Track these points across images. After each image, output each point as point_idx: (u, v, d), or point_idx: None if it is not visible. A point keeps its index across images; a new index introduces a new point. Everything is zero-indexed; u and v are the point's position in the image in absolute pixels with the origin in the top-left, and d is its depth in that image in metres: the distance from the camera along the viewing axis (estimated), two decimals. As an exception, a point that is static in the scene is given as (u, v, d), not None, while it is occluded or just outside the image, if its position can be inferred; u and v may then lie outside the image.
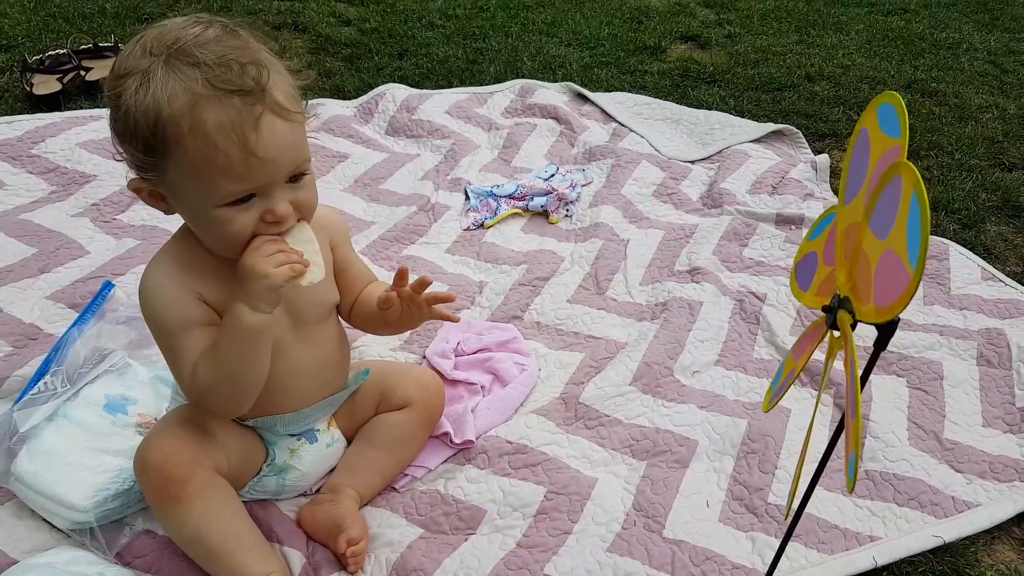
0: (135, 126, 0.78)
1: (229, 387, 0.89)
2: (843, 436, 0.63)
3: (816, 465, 0.77)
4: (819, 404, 0.83)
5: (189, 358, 0.89)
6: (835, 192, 1.98)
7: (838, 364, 1.38)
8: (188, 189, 0.82)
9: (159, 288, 0.89)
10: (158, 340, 0.92)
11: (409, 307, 1.01)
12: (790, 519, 0.83)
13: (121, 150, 0.84)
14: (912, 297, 0.53)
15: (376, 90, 2.21)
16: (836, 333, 0.67)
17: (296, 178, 0.87)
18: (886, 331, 0.60)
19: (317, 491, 1.12)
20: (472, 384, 1.30)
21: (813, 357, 1.40)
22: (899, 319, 0.58)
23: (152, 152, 0.80)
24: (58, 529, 1.00)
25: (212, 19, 0.83)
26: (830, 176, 2.01)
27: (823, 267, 0.72)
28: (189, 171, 0.80)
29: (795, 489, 0.81)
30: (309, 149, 0.88)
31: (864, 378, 0.63)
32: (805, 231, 1.76)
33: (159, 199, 0.87)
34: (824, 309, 0.67)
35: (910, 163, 0.54)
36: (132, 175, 0.86)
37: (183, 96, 0.77)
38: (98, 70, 2.15)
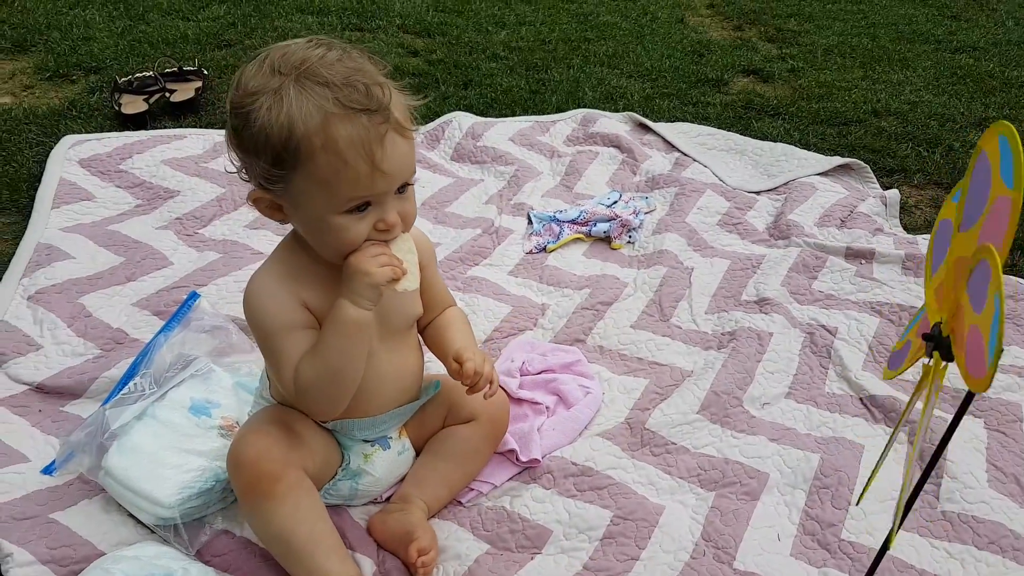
0: (267, 140, 0.84)
1: (329, 383, 0.93)
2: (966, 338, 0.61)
3: (899, 504, 0.76)
4: (916, 446, 0.82)
5: (291, 358, 0.93)
6: (905, 228, 1.94)
7: (919, 405, 1.35)
8: (311, 199, 0.87)
9: (264, 292, 0.94)
10: (261, 341, 0.96)
11: None
12: (874, 554, 0.81)
13: (243, 163, 0.90)
14: (1017, 219, 0.54)
15: (443, 118, 2.27)
16: (941, 364, 0.66)
17: (402, 189, 0.91)
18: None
19: (387, 500, 1.13)
20: (537, 404, 1.31)
21: (888, 395, 1.37)
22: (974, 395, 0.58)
23: (281, 165, 0.85)
24: (143, 525, 1.04)
25: (331, 42, 0.89)
26: (900, 212, 1.97)
27: (915, 343, 0.73)
28: (316, 183, 0.85)
29: (894, 532, 0.79)
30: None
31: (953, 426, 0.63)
32: (875, 267, 1.73)
33: (276, 210, 0.92)
34: (924, 337, 0.66)
35: (993, 249, 0.54)
36: (250, 187, 0.92)
37: (316, 114, 0.83)
38: (182, 92, 2.26)
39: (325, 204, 0.87)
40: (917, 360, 0.70)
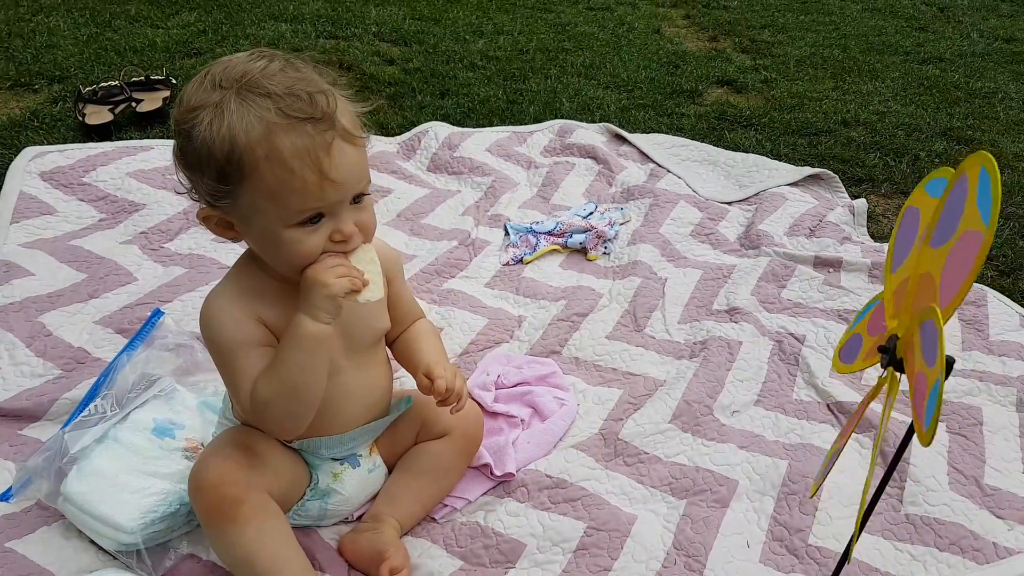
0: (209, 156, 0.82)
1: (287, 401, 0.90)
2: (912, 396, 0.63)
3: (860, 509, 0.76)
4: (875, 453, 0.83)
5: (248, 376, 0.91)
6: (872, 237, 1.97)
7: (876, 407, 1.37)
8: (260, 213, 0.85)
9: (220, 310, 0.92)
10: (217, 359, 0.94)
11: None
12: (838, 560, 0.81)
13: (190, 181, 0.88)
14: (986, 254, 0.55)
15: (419, 128, 2.26)
16: (897, 375, 0.67)
17: (358, 199, 0.90)
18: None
19: (358, 519, 1.12)
20: (512, 417, 1.30)
21: (855, 401, 1.38)
22: (954, 361, 0.58)
23: (226, 180, 0.83)
24: (104, 551, 1.01)
25: (273, 53, 0.87)
26: (867, 221, 2.00)
27: (868, 339, 0.74)
28: (263, 196, 0.83)
29: (855, 540, 0.80)
30: (369, 171, 0.91)
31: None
32: (843, 275, 1.76)
33: (227, 227, 0.90)
34: (880, 349, 0.67)
35: (986, 153, 0.56)
36: (200, 206, 0.89)
37: (258, 125, 0.81)
38: (149, 102, 2.23)
39: (275, 218, 0.85)
40: (870, 365, 0.71)
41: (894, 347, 0.64)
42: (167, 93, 2.29)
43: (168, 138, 2.12)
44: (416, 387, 1.07)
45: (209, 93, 0.83)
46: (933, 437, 0.56)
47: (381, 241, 1.02)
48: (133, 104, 2.20)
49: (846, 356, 0.78)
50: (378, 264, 0.92)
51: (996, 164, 0.57)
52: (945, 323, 0.57)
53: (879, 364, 0.67)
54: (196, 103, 0.83)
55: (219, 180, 0.83)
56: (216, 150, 0.81)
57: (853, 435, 1.34)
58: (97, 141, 2.04)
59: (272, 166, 0.81)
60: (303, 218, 0.86)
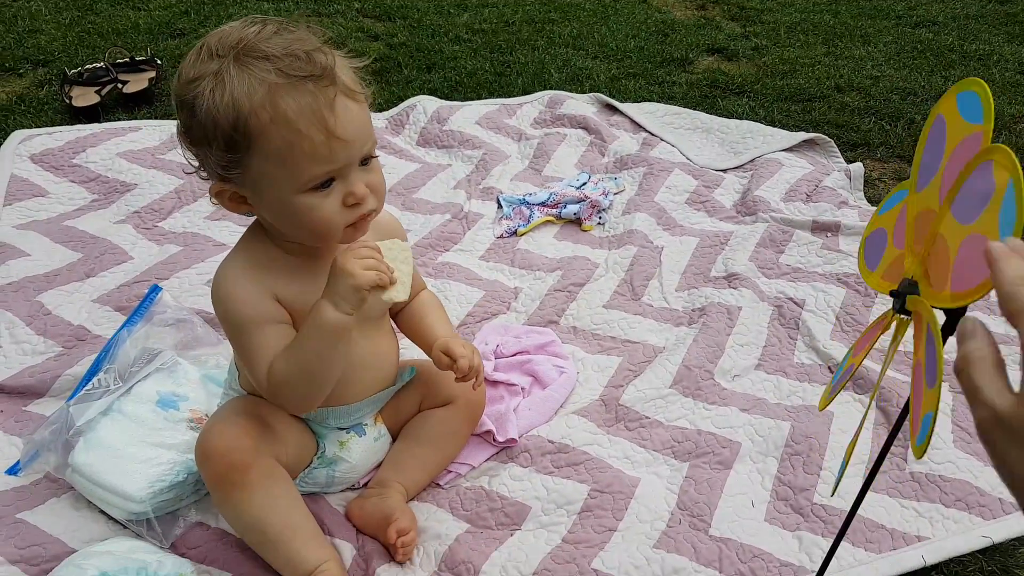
0: (215, 125, 0.81)
1: (303, 384, 0.90)
2: (911, 402, 0.62)
3: (868, 466, 0.77)
4: (870, 406, 0.83)
5: (264, 354, 0.90)
6: (869, 201, 1.97)
7: (876, 366, 1.37)
8: (272, 180, 0.84)
9: (235, 286, 0.91)
10: (231, 336, 0.93)
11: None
12: (844, 516, 0.82)
13: (197, 158, 0.87)
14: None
15: (407, 102, 2.25)
16: (904, 317, 0.67)
17: (366, 161, 0.89)
18: (954, 317, 0.60)
19: (364, 486, 1.13)
20: (512, 385, 1.31)
21: (863, 364, 1.39)
22: (965, 310, 0.58)
23: (235, 148, 0.82)
24: (115, 520, 1.02)
25: (265, 19, 0.86)
26: (864, 185, 2.00)
27: (891, 248, 0.71)
28: (273, 161, 0.83)
29: (841, 477, 0.80)
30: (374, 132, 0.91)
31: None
32: (841, 239, 1.76)
33: (240, 201, 0.89)
34: (892, 294, 0.66)
35: (1005, 146, 0.54)
36: (211, 181, 0.89)
37: (260, 88, 0.80)
38: (135, 83, 2.20)
39: (287, 184, 0.84)
40: (886, 288, 0.69)
41: (906, 293, 0.63)
42: (153, 74, 2.26)
43: (156, 118, 2.11)
44: (427, 358, 1.07)
45: (207, 63, 0.82)
46: (924, 453, 0.57)
47: (387, 212, 1.01)
48: (119, 85, 2.17)
49: (870, 255, 0.74)
50: (411, 264, 0.90)
51: (983, 83, 0.56)
52: (952, 305, 0.57)
53: (891, 306, 0.66)
54: (195, 74, 0.82)
55: (227, 149, 0.82)
56: (221, 118, 0.81)
57: (856, 396, 1.35)
58: (85, 123, 2.02)
59: (278, 128, 0.81)
60: (315, 183, 0.85)
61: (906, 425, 0.67)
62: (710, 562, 1.04)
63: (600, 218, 1.84)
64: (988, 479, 1.19)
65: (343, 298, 0.86)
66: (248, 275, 0.92)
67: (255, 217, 0.95)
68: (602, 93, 2.40)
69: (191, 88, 0.82)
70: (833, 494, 0.93)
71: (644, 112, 2.30)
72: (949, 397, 1.36)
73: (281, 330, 0.92)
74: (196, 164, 0.89)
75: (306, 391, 0.92)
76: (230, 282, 0.91)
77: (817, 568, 0.95)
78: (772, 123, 2.30)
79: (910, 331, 0.67)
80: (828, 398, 0.80)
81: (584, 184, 1.91)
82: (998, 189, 0.53)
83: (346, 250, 0.87)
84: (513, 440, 1.20)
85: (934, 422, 0.55)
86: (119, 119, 2.08)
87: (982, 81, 0.59)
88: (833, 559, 1.06)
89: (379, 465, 1.14)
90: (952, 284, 0.58)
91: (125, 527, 1.01)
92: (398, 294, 0.88)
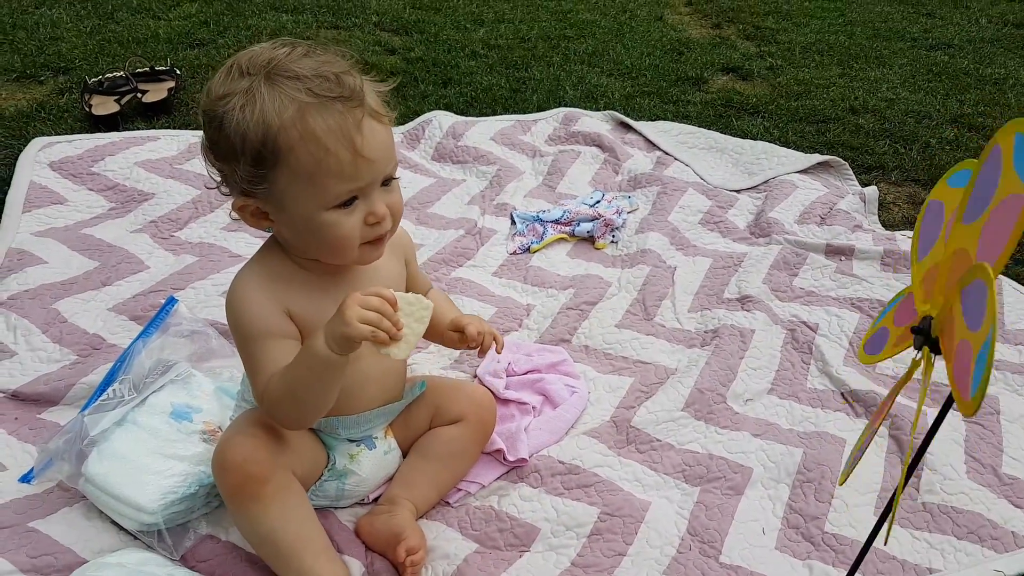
0: (244, 140, 0.83)
1: (293, 406, 0.91)
2: (952, 366, 0.61)
3: (880, 499, 0.76)
4: (877, 433, 0.83)
5: (267, 368, 0.91)
6: (883, 225, 1.96)
7: (901, 400, 1.36)
8: (296, 197, 0.86)
9: (247, 297, 0.92)
10: (239, 346, 0.95)
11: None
12: (858, 548, 0.81)
13: (221, 173, 0.89)
14: (976, 408, 0.53)
15: (422, 117, 2.26)
16: (932, 357, 0.66)
17: (387, 182, 0.91)
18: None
19: (374, 501, 1.13)
20: (524, 404, 1.30)
21: (869, 390, 1.38)
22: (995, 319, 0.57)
23: (262, 164, 0.84)
24: (126, 531, 1.02)
25: (294, 41, 0.89)
26: (878, 208, 2.00)
27: (895, 331, 0.73)
28: (300, 177, 0.84)
29: (851, 469, 0.79)
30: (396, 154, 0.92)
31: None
32: (855, 263, 1.75)
33: (262, 217, 0.91)
34: (913, 331, 0.66)
35: (988, 268, 0.53)
36: (233, 196, 0.90)
37: (291, 106, 0.82)
38: (154, 92, 2.23)
39: (312, 201, 0.86)
40: (901, 350, 0.70)
41: (929, 327, 0.63)
42: (172, 84, 2.28)
43: (175, 128, 2.13)
44: (437, 374, 1.07)
45: (237, 81, 0.84)
46: (979, 405, 0.54)
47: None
48: (139, 95, 2.19)
49: (872, 349, 0.77)
50: (426, 324, 0.87)
51: None
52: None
53: (912, 346, 0.66)
54: (225, 91, 0.84)
55: (255, 165, 0.84)
56: (251, 134, 0.82)
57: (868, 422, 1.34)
58: (104, 131, 2.04)
59: (307, 145, 0.83)
60: (339, 200, 0.87)
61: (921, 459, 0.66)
62: (720, 589, 1.03)
63: (613, 236, 1.85)
64: (1001, 511, 1.18)
65: (333, 339, 0.84)
66: (262, 287, 0.93)
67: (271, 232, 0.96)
68: (617, 111, 2.41)
69: (221, 104, 0.84)
70: (842, 483, 0.91)
71: (658, 131, 2.31)
72: (963, 427, 1.35)
73: (287, 346, 0.92)
74: (218, 179, 0.91)
75: (296, 414, 0.92)
76: (243, 293, 0.93)
77: (829, 599, 0.94)
78: (786, 144, 2.30)
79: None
80: (848, 472, 0.80)
81: (598, 202, 1.91)
82: (1005, 158, 0.54)
83: (362, 292, 0.84)
84: (524, 460, 1.19)
85: (990, 360, 0.52)
86: (138, 128, 2.10)
87: (973, 160, 0.59)
88: (845, 590, 1.05)
89: (389, 480, 1.14)
90: (955, 376, 0.57)
91: (136, 539, 1.01)
92: (399, 352, 0.84)
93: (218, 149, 0.86)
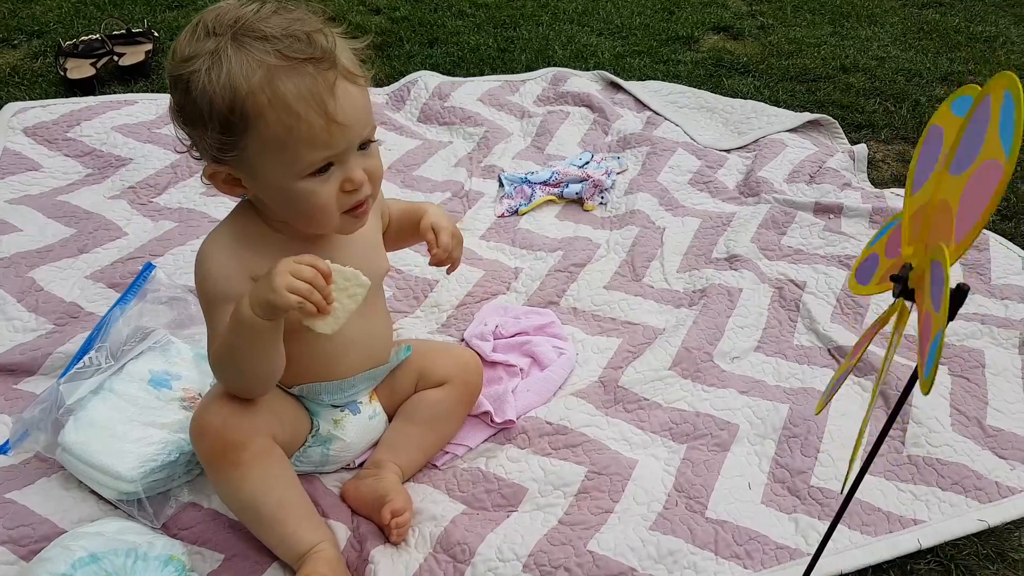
0: (211, 106, 0.79)
1: (233, 374, 0.89)
2: (920, 346, 0.61)
3: (864, 450, 0.76)
4: (875, 394, 0.82)
5: (220, 332, 0.89)
6: (872, 183, 1.95)
7: (879, 351, 1.36)
8: (269, 165, 0.83)
9: (213, 259, 0.90)
10: (202, 308, 0.92)
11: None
12: (842, 499, 0.81)
13: (191, 138, 0.85)
14: (1005, 186, 0.52)
15: (408, 77, 2.21)
16: (908, 304, 0.65)
17: (364, 145, 0.87)
18: (959, 299, 0.59)
19: (359, 466, 1.12)
20: (511, 366, 1.29)
21: (851, 345, 1.38)
22: (968, 288, 0.57)
23: (231, 131, 0.80)
24: (105, 501, 1.01)
25: None
26: (867, 167, 1.98)
27: (884, 262, 0.72)
28: (271, 145, 0.81)
29: (850, 471, 0.80)
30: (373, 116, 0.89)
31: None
32: (843, 220, 1.74)
33: (235, 184, 0.87)
34: (892, 278, 0.65)
35: (1011, 74, 0.52)
36: (205, 162, 0.87)
37: (259, 70, 0.78)
38: (131, 55, 2.17)
39: (285, 169, 0.82)
40: (884, 290, 0.69)
41: (907, 276, 0.62)
42: (149, 46, 2.22)
43: (153, 91, 2.07)
44: (424, 338, 1.06)
45: (203, 42, 0.80)
46: (931, 387, 0.54)
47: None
48: (115, 58, 2.14)
49: (862, 276, 0.76)
50: (358, 302, 0.83)
51: (1021, 87, 0.54)
52: (961, 256, 0.55)
53: (891, 293, 0.65)
54: (190, 53, 0.80)
55: (223, 131, 0.80)
56: (217, 100, 0.78)
57: (855, 379, 1.34)
58: (80, 96, 1.99)
59: (277, 112, 0.79)
60: (313, 168, 0.83)
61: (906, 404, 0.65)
62: (706, 544, 1.04)
63: (602, 198, 1.82)
64: (985, 463, 1.19)
65: (258, 303, 0.81)
66: (230, 250, 0.90)
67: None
68: (606, 71, 2.37)
69: (186, 67, 0.80)
70: (843, 490, 0.92)
71: (648, 91, 2.27)
72: (948, 381, 1.35)
73: None
74: (188, 144, 0.87)
75: (239, 381, 0.90)
76: (209, 254, 0.90)
77: (813, 551, 0.94)
78: (777, 103, 2.27)
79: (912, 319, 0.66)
80: (824, 402, 0.79)
81: (587, 163, 1.88)
82: (993, 116, 0.52)
83: (295, 260, 0.81)
84: (511, 421, 1.19)
85: (941, 346, 0.53)
86: (114, 92, 2.05)
87: (975, 86, 0.58)
88: (829, 542, 1.06)
89: (375, 445, 1.13)
90: (957, 233, 0.57)
91: (116, 508, 1.00)
92: (325, 327, 0.81)
93: (186, 114, 0.83)
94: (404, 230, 1.13)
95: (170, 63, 0.82)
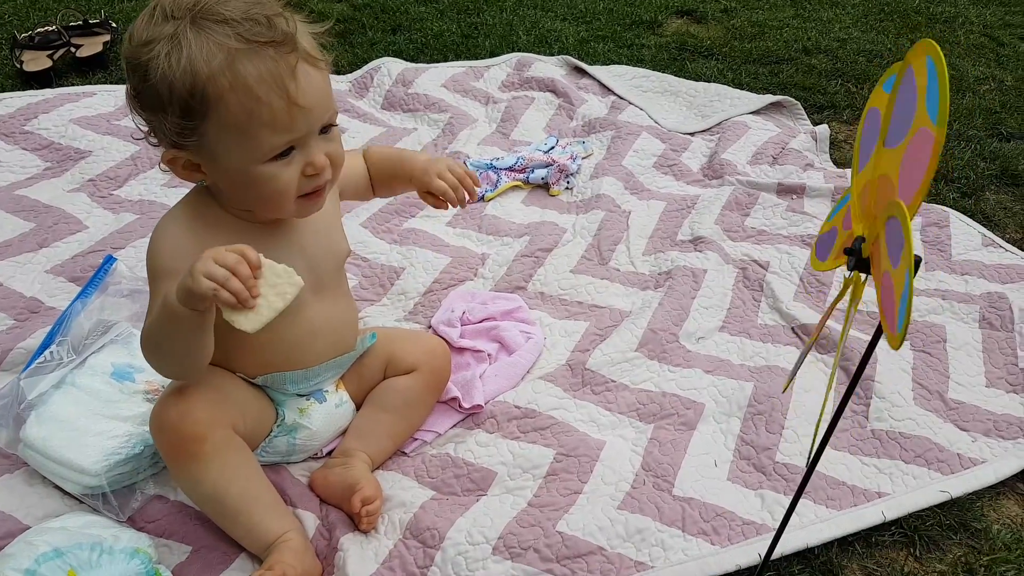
0: (171, 91, 0.78)
1: (157, 356, 0.87)
2: (881, 302, 0.62)
3: (824, 425, 0.78)
4: (834, 372, 0.84)
5: (154, 308, 0.86)
6: (835, 163, 1.98)
7: (838, 326, 1.39)
8: (229, 149, 0.82)
9: (167, 232, 0.89)
10: (149, 283, 0.90)
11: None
12: (803, 474, 0.83)
13: (148, 124, 0.84)
14: (939, 152, 0.54)
15: (371, 64, 2.19)
16: (864, 277, 0.67)
17: (326, 130, 0.87)
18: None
19: (328, 455, 1.12)
20: (479, 351, 1.30)
21: (825, 325, 1.41)
22: (920, 259, 0.58)
23: (191, 115, 0.79)
24: (70, 496, 1.00)
25: None
26: (829, 147, 2.01)
27: (841, 234, 0.73)
28: (231, 129, 0.80)
29: (813, 444, 0.81)
30: (335, 101, 0.88)
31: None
32: (806, 201, 1.76)
33: (194, 169, 0.86)
34: (846, 251, 0.66)
35: (931, 41, 0.54)
36: (163, 148, 0.85)
37: (219, 53, 0.77)
38: (88, 46, 2.12)
39: (246, 154, 0.82)
40: (841, 264, 0.71)
41: (859, 248, 0.63)
42: (107, 37, 2.18)
43: (111, 83, 2.03)
44: (390, 325, 1.06)
45: (161, 25, 0.79)
46: (903, 340, 0.56)
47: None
48: (72, 49, 2.09)
49: (821, 251, 0.77)
50: (287, 302, 0.78)
51: (941, 53, 0.55)
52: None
53: (845, 267, 0.67)
54: (148, 37, 0.79)
55: (183, 116, 0.79)
56: (177, 84, 0.78)
57: (819, 356, 1.37)
58: (37, 88, 1.95)
59: (237, 95, 0.78)
60: (275, 152, 0.83)
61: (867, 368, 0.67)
62: (673, 522, 1.05)
63: (568, 183, 1.83)
64: (947, 435, 1.22)
65: (181, 289, 0.77)
66: (185, 226, 0.89)
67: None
68: (571, 56, 2.37)
69: (144, 51, 0.78)
70: (784, 390, 0.93)
71: (613, 75, 2.28)
72: (910, 355, 1.38)
73: None
74: (146, 129, 0.86)
75: (163, 364, 0.88)
76: (164, 228, 0.89)
77: (778, 526, 0.96)
78: (740, 86, 2.29)
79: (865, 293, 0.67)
80: (789, 380, 0.81)
81: (552, 148, 1.89)
82: (919, 86, 0.54)
83: (224, 249, 0.77)
84: (479, 406, 1.19)
85: (910, 300, 0.54)
86: (72, 84, 2.01)
87: (898, 64, 0.59)
88: (794, 516, 1.08)
89: (343, 433, 1.13)
90: (883, 306, 0.58)
91: (81, 502, 0.99)
92: (245, 322, 0.76)
93: (144, 99, 0.82)
94: (397, 177, 1.14)
95: (127, 48, 0.81)
